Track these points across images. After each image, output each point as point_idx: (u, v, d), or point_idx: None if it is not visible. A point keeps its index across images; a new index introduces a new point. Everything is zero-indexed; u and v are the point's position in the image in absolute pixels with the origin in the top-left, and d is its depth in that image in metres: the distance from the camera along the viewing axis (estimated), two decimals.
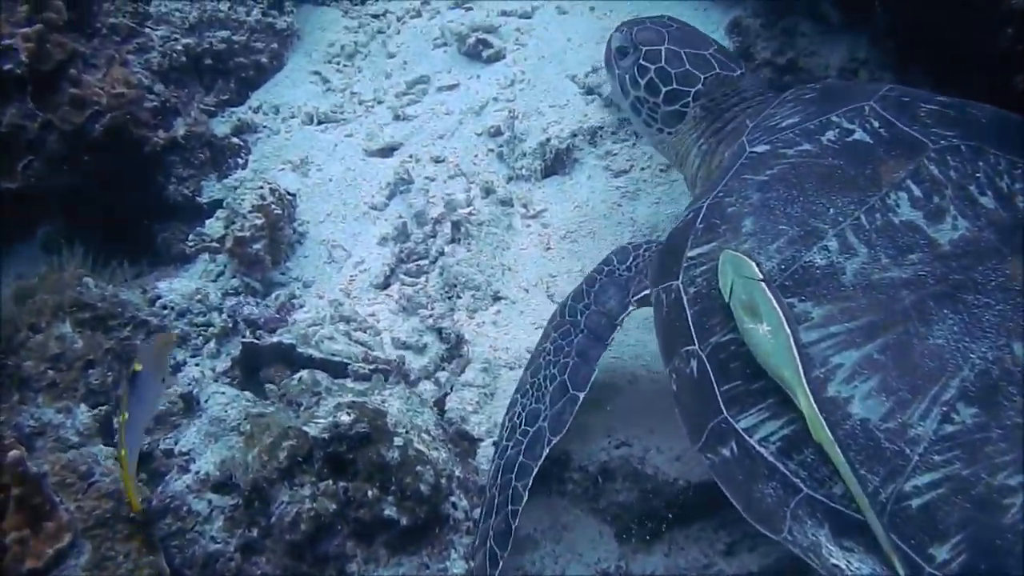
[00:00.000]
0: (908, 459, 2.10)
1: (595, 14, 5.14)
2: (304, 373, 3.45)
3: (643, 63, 3.34)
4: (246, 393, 3.56)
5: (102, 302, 3.46)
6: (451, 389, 3.58)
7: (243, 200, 4.17)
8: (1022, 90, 3.07)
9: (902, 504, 2.08)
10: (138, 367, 2.71)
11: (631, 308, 3.02)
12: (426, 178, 4.52)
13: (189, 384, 3.60)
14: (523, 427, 3.00)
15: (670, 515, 3.19)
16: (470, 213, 4.23)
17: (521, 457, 2.94)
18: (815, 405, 2.16)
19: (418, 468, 2.99)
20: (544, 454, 2.91)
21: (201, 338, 3.89)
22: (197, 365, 3.79)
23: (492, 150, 4.59)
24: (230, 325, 3.94)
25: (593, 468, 3.23)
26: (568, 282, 4.01)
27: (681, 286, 2.61)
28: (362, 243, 4.35)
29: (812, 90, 3.00)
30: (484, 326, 3.84)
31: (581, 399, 2.96)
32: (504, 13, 5.24)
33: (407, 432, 3.09)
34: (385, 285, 4.16)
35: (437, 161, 4.60)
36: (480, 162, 4.56)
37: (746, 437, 2.31)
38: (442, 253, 4.14)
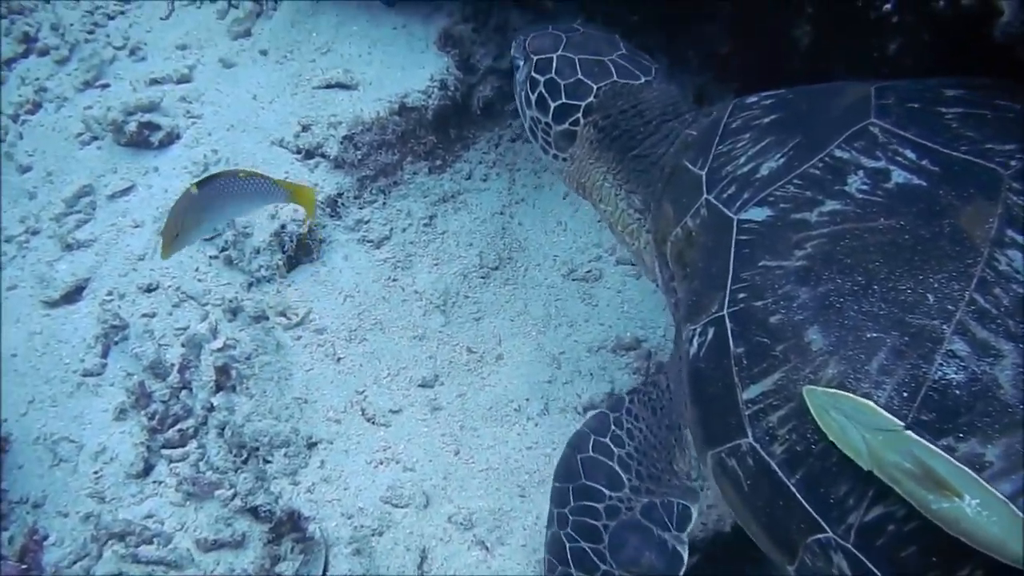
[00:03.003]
0: None
1: (271, 59, 4.21)
2: None
3: (534, 75, 2.70)
4: None
5: None
6: None
7: None
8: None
9: None
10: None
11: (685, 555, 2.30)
12: (144, 316, 3.52)
13: None
14: None
15: None
16: (226, 346, 3.34)
17: None
18: None
19: None
20: None
21: None
22: None
23: (215, 257, 3.65)
24: None
25: None
26: (379, 393, 3.30)
27: (757, 446, 1.87)
28: (92, 425, 3.31)
29: (762, 108, 2.29)
30: (316, 488, 3.03)
31: None
32: (156, 82, 4.18)
33: None
34: (147, 470, 3.20)
35: (149, 290, 3.59)
36: (206, 276, 3.61)
37: None
38: (211, 408, 3.22)
